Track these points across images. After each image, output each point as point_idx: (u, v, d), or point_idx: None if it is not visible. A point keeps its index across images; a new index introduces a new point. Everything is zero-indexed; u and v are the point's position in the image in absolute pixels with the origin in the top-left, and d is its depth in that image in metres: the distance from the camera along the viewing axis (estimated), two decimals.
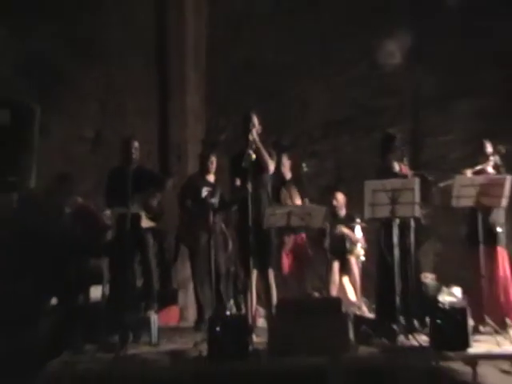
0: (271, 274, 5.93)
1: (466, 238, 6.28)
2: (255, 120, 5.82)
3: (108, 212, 6.24)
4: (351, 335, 5.20)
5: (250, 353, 5.00)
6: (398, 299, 5.58)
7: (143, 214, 6.12)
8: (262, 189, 5.85)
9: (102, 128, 7.99)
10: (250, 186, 5.63)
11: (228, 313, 6.26)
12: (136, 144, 6.18)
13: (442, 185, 6.07)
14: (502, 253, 6.21)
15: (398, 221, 5.72)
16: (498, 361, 5.54)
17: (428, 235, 7.01)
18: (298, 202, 6.99)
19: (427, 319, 5.52)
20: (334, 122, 8.82)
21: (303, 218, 5.73)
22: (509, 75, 8.06)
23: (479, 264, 5.83)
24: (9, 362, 5.09)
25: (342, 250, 7.19)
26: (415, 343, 5.32)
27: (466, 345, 5.11)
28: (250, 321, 5.45)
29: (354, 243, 7.23)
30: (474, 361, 5.26)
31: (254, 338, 5.28)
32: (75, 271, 6.32)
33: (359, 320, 5.58)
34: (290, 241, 7.10)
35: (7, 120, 4.83)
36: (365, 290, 7.05)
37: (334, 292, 7.00)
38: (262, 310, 6.24)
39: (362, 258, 7.30)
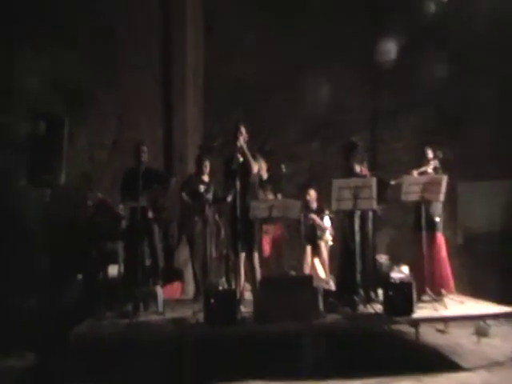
0: (256, 256, 5.94)
1: (412, 226, 6.36)
2: (243, 129, 5.84)
3: (122, 205, 6.24)
4: (321, 305, 5.25)
5: (238, 320, 5.08)
6: (358, 276, 5.66)
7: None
8: (248, 186, 5.83)
9: (119, 137, 7.95)
10: (238, 184, 5.64)
11: (220, 288, 6.25)
12: (144, 148, 6.14)
13: (393, 183, 6.09)
14: (439, 238, 6.30)
15: (359, 212, 5.79)
16: (435, 323, 5.83)
17: (383, 224, 6.99)
18: (271, 197, 6.90)
19: (381, 292, 5.60)
20: (308, 131, 8.82)
21: (282, 211, 5.70)
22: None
23: (422, 247, 5.93)
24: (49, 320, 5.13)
25: (313, 236, 7.16)
26: (372, 311, 5.41)
27: (411, 311, 5.20)
28: (239, 294, 5.48)
29: (323, 231, 7.18)
30: (416, 323, 5.53)
31: (242, 309, 5.32)
32: (96, 252, 6.33)
33: (327, 293, 5.60)
34: (271, 229, 7.08)
35: (43, 130, 4.92)
36: (332, 269, 6.94)
37: (306, 271, 6.98)
38: (248, 286, 6.19)
39: (330, 243, 7.24)
